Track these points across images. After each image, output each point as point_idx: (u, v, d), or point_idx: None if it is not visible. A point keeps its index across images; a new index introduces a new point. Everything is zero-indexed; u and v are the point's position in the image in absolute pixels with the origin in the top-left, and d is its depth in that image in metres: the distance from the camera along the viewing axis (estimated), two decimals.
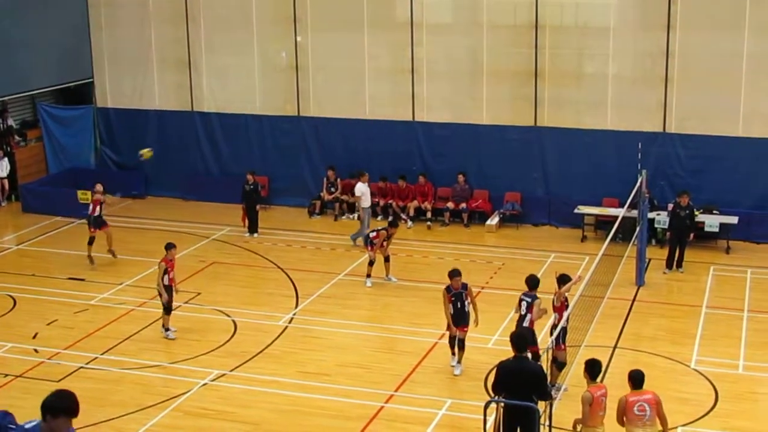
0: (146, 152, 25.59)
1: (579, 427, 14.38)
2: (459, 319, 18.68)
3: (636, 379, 14.26)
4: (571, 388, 17.71)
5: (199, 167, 32.20)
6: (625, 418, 14.09)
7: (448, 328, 18.93)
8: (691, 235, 25.63)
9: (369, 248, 24.00)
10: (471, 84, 29.59)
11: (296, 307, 22.59)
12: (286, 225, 29.23)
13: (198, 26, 31.68)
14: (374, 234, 24.06)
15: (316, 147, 30.92)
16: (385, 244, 24.03)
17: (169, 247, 20.83)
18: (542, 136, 29.02)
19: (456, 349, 18.88)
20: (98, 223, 25.30)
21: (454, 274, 18.77)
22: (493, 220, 29.04)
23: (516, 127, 29.18)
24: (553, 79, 28.81)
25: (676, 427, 16.51)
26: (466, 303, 18.72)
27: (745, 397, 17.90)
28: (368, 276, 23.94)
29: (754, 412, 17.31)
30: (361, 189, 27.36)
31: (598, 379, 14.44)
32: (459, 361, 18.81)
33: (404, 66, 29.93)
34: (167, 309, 20.68)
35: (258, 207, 28.24)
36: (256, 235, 27.97)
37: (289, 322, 21.64)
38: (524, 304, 17.87)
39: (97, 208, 25.26)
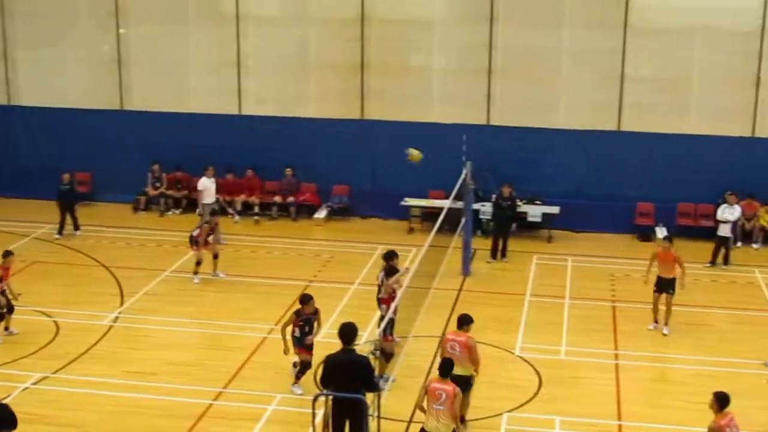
0: (415, 154, 23.19)
1: None
2: (302, 341, 17.67)
3: (460, 321, 15.98)
4: (399, 378, 17.88)
5: (18, 163, 31.14)
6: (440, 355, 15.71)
7: (286, 351, 17.66)
8: (513, 225, 26.34)
9: (194, 247, 23.62)
10: (298, 77, 29.61)
11: (121, 305, 22.10)
12: (110, 221, 28.61)
13: (14, 18, 30.70)
14: (197, 232, 23.63)
15: (141, 141, 30.30)
16: (210, 239, 23.73)
17: (7, 254, 20.19)
18: (369, 128, 29.23)
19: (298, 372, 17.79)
20: None
21: (307, 299, 17.55)
22: (321, 214, 29.10)
23: (343, 120, 29.31)
24: (380, 72, 29.08)
25: (502, 413, 16.86)
26: (314, 327, 17.72)
27: (567, 382, 18.38)
28: (195, 273, 23.59)
29: (576, 396, 17.77)
30: (205, 183, 26.88)
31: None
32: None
33: (230, 59, 29.68)
34: (1, 315, 19.98)
35: (76, 206, 27.46)
36: (78, 232, 27.22)
37: (114, 321, 21.15)
38: (381, 275, 18.36)
39: None
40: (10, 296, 20.09)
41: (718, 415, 13.66)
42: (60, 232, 27.07)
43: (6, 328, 20.11)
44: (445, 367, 14.44)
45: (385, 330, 17.00)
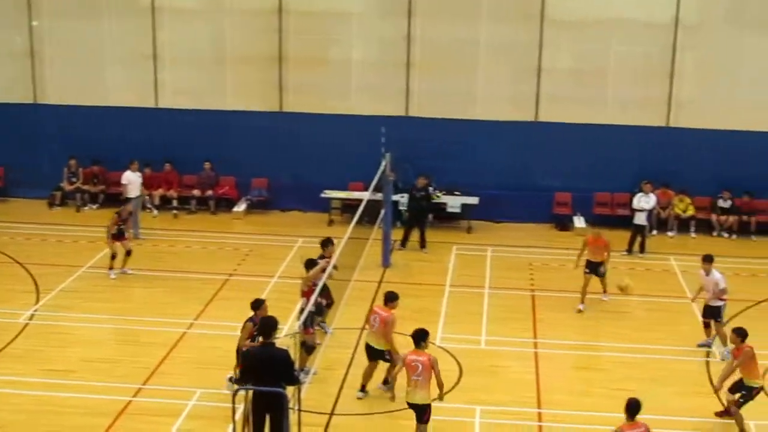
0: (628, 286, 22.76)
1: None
2: None
3: (385, 297, 17.38)
4: (320, 371, 17.90)
5: None
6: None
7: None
8: (430, 216, 26.50)
9: (109, 240, 23.30)
10: (215, 69, 29.36)
11: (37, 302, 21.72)
12: (25, 218, 28.13)
13: None
14: (109, 224, 23.34)
15: (56, 135, 29.80)
16: (127, 235, 23.39)
17: None
18: (289, 121, 29.13)
19: None
20: None
21: (259, 304, 16.69)
22: (240, 207, 28.95)
23: (262, 113, 29.18)
24: (298, 64, 28.99)
25: None
26: None
27: (487, 371, 18.49)
28: (110, 268, 23.27)
29: (496, 385, 17.89)
30: (129, 177, 26.55)
31: (424, 348, 15.34)
32: None
33: (146, 51, 29.34)
34: None
35: None
36: None
37: (30, 319, 20.77)
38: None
39: None
40: None
41: (628, 423, 13.50)
42: None
43: None
44: (416, 336, 15.31)
45: (305, 323, 16.95)
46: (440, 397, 15.41)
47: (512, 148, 28.54)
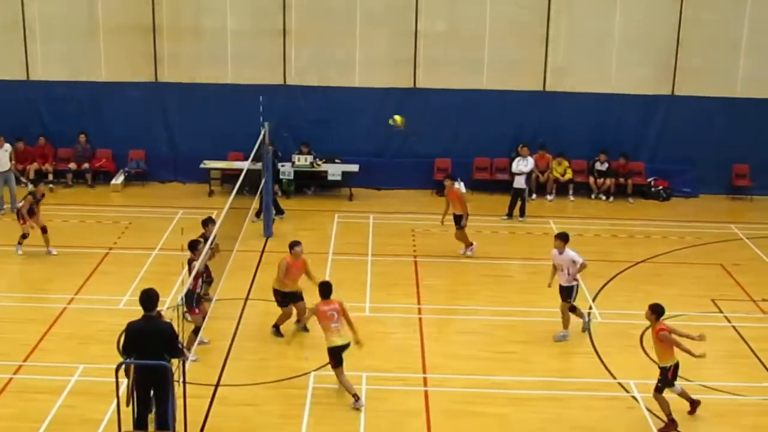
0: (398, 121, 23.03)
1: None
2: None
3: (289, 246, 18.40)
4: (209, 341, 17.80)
5: None
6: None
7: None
8: (275, 186, 26.13)
9: (20, 221, 22.66)
10: (87, 40, 28.73)
11: None
12: None
13: None
14: (21, 204, 22.71)
15: None
16: (36, 211, 22.67)
17: None
18: (164, 92, 28.76)
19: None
20: None
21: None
22: (118, 179, 28.49)
23: (136, 84, 28.72)
24: (173, 34, 28.58)
25: (309, 372, 16.94)
26: None
27: (373, 338, 18.46)
28: (19, 243, 22.54)
29: (383, 351, 17.97)
30: None
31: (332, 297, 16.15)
32: None
33: (14, 23, 28.54)
34: None
35: None
36: None
37: None
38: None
39: None
40: None
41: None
42: None
43: None
44: (325, 289, 16.11)
45: (189, 303, 16.72)
46: (357, 341, 16.13)
47: (391, 115, 28.49)
